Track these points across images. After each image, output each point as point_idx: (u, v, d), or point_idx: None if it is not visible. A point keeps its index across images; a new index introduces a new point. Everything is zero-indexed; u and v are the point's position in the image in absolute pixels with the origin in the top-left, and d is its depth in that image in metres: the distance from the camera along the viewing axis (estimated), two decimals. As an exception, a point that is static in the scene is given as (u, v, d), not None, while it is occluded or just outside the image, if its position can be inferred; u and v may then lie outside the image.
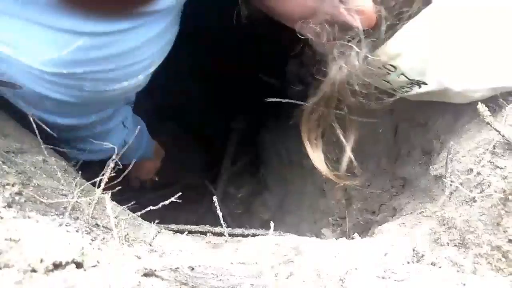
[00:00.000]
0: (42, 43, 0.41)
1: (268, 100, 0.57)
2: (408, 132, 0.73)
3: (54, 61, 0.42)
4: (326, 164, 0.56)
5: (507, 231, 0.38)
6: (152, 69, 0.52)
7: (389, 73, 0.50)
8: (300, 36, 0.50)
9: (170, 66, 0.56)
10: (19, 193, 0.39)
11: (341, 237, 0.62)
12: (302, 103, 0.55)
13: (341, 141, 0.55)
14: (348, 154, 0.55)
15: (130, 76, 0.50)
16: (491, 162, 0.47)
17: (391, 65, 0.49)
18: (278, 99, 0.57)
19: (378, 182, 0.77)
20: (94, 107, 0.56)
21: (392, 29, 0.45)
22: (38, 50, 0.42)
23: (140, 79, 0.52)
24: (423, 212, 0.54)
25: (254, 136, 1.35)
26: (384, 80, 0.52)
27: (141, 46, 0.47)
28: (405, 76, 0.49)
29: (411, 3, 0.43)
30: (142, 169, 0.99)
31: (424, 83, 0.49)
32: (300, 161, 0.95)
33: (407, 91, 0.52)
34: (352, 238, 0.57)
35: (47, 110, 0.52)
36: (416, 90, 0.51)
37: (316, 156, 0.56)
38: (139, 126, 0.68)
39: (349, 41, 0.48)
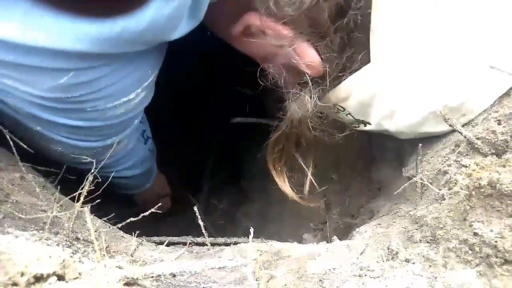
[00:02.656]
0: (42, 75, 0.43)
1: (235, 120, 0.64)
2: (382, 136, 0.76)
3: (53, 87, 0.44)
4: (292, 188, 0.66)
5: (472, 225, 0.40)
6: (148, 81, 0.53)
7: (339, 111, 0.59)
8: (260, 81, 0.58)
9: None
10: (-3, 210, 0.39)
11: (322, 241, 0.63)
12: (267, 121, 0.62)
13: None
14: (309, 177, 0.65)
15: (127, 90, 0.51)
16: (456, 161, 0.50)
17: (341, 106, 0.58)
18: (244, 119, 0.64)
19: (355, 186, 0.79)
20: (109, 130, 0.57)
21: (338, 79, 0.55)
22: (39, 81, 0.44)
23: (141, 94, 0.53)
24: (397, 212, 0.57)
25: (233, 147, 1.36)
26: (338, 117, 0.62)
27: (134, 58, 0.49)
28: (352, 116, 0.59)
29: (352, 63, 0.53)
30: (157, 186, 0.99)
31: (369, 123, 0.59)
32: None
33: (355, 127, 0.62)
34: (332, 241, 0.59)
35: (63, 135, 0.54)
36: (362, 127, 0.61)
37: (282, 182, 0.66)
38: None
39: (301, 84, 0.56)
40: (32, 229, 0.39)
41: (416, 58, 0.50)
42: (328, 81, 0.54)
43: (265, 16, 0.50)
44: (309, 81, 0.55)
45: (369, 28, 0.49)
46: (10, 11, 0.37)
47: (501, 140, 0.47)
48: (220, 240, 0.65)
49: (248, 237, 0.48)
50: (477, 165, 0.46)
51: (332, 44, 0.52)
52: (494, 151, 0.47)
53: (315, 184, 0.67)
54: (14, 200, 0.44)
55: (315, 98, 0.56)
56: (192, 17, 0.47)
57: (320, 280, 0.42)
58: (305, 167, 0.66)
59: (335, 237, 0.59)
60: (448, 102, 0.51)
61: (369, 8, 0.48)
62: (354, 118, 0.59)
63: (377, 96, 0.54)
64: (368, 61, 0.51)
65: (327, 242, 0.59)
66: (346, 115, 0.59)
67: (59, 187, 0.53)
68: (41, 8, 0.38)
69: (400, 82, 0.52)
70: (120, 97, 0.51)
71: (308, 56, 0.52)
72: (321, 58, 0.53)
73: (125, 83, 0.50)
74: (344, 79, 0.54)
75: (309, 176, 0.66)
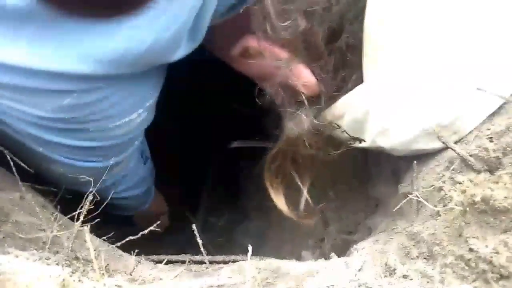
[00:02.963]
0: (45, 97, 0.44)
1: (233, 145, 0.65)
2: (378, 154, 0.76)
3: (56, 108, 0.45)
4: (288, 205, 0.66)
5: (468, 241, 0.41)
6: (150, 102, 0.54)
7: (335, 129, 0.60)
8: (258, 100, 0.59)
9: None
10: (-3, 230, 0.39)
11: (321, 258, 0.63)
12: (264, 145, 0.63)
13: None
14: (305, 196, 0.66)
15: (129, 110, 0.52)
16: (451, 178, 0.51)
17: (336, 124, 0.59)
18: (243, 143, 0.65)
19: (352, 203, 0.80)
20: (110, 150, 0.58)
21: (333, 98, 0.56)
22: (42, 102, 0.44)
23: (142, 114, 0.54)
24: (394, 229, 0.57)
25: (232, 165, 1.37)
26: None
27: (136, 79, 0.49)
28: (347, 133, 0.60)
29: (347, 83, 0.55)
30: (154, 205, 0.99)
31: (364, 140, 0.60)
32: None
33: (351, 143, 0.63)
34: (330, 258, 0.59)
35: (64, 155, 0.54)
36: (357, 144, 0.62)
37: (278, 199, 0.66)
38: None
39: (298, 103, 0.58)
40: (32, 248, 0.40)
41: (407, 78, 0.51)
42: (324, 101, 0.56)
43: (263, 39, 0.52)
44: (305, 100, 0.56)
45: (361, 50, 0.51)
46: (17, 36, 0.38)
47: (494, 157, 0.48)
48: (219, 258, 0.65)
49: (247, 255, 0.49)
50: (471, 182, 0.47)
51: (327, 65, 0.54)
52: (487, 168, 0.48)
53: (310, 201, 0.68)
54: (14, 220, 0.45)
55: (311, 117, 0.57)
56: (192, 39, 0.49)
57: (318, 298, 0.42)
58: (300, 185, 0.67)
59: (333, 254, 0.59)
60: (440, 121, 0.53)
61: (361, 31, 0.50)
62: (350, 136, 0.61)
63: (370, 114, 0.55)
64: (362, 81, 0.53)
65: (325, 259, 0.59)
66: (342, 132, 0.61)
67: (58, 206, 0.54)
68: (46, 33, 0.39)
69: (392, 101, 0.53)
70: (122, 117, 0.51)
71: (304, 77, 0.54)
72: (317, 79, 0.55)
73: (128, 103, 0.50)
74: (340, 98, 0.56)
75: (305, 193, 0.67)
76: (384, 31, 0.50)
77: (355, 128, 0.59)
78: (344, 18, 0.51)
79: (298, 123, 0.58)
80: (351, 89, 0.54)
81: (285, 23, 0.49)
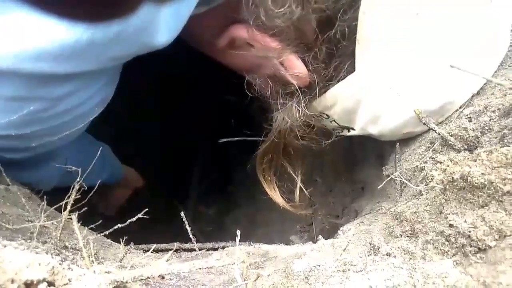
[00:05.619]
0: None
1: (221, 141, 0.66)
2: (363, 138, 0.78)
3: (3, 124, 0.42)
4: (283, 197, 0.68)
5: (447, 217, 0.42)
6: (93, 117, 0.53)
7: (323, 119, 0.61)
8: (247, 92, 0.59)
9: (128, 91, 0.57)
10: (-17, 221, 0.39)
11: (309, 242, 0.65)
12: (253, 138, 0.64)
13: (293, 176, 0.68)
14: (299, 185, 0.68)
15: (72, 126, 0.51)
16: (432, 158, 0.52)
17: (325, 113, 0.59)
18: (230, 139, 0.66)
19: (339, 187, 0.81)
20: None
21: (325, 88, 0.56)
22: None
23: (81, 127, 0.53)
24: (379, 210, 0.58)
25: (221, 153, 1.37)
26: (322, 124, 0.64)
27: (84, 102, 0.48)
28: (336, 122, 0.61)
29: (338, 72, 0.54)
30: (111, 195, 0.98)
31: (352, 129, 0.61)
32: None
33: (338, 133, 0.64)
34: (318, 241, 0.60)
35: None
36: (345, 133, 0.63)
37: (273, 193, 0.67)
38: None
39: (288, 94, 0.58)
40: (19, 238, 0.40)
41: (398, 67, 0.52)
42: (317, 91, 0.55)
43: (254, 28, 0.50)
44: (298, 91, 0.56)
45: (354, 39, 0.51)
46: None
47: (472, 136, 0.49)
48: (208, 245, 0.66)
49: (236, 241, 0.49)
50: (451, 161, 0.48)
51: (319, 55, 0.53)
52: (466, 147, 0.50)
53: (306, 192, 0.69)
54: (0, 212, 0.45)
55: (303, 107, 0.57)
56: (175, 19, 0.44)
57: (306, 277, 0.43)
58: (294, 176, 0.67)
59: (320, 237, 0.60)
60: (428, 107, 0.54)
61: (355, 20, 0.50)
62: (339, 125, 0.61)
63: (362, 103, 0.55)
64: (353, 70, 0.53)
65: (314, 242, 0.60)
66: (331, 122, 0.61)
67: (45, 197, 0.53)
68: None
69: (384, 90, 0.53)
70: (64, 131, 0.50)
71: (296, 67, 0.53)
72: (308, 69, 0.54)
73: (73, 122, 0.49)
74: (331, 88, 0.56)
75: (299, 184, 0.67)
76: (378, 21, 0.50)
77: (345, 117, 0.59)
78: (338, 5, 0.50)
79: (289, 114, 0.57)
80: (343, 78, 0.54)
81: (280, 9, 0.47)
